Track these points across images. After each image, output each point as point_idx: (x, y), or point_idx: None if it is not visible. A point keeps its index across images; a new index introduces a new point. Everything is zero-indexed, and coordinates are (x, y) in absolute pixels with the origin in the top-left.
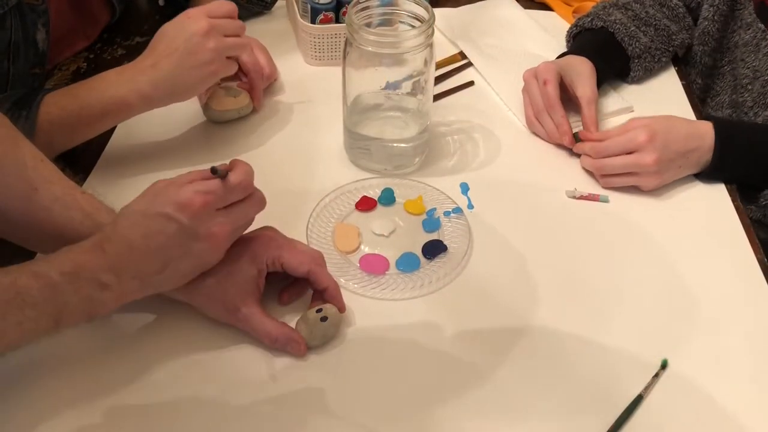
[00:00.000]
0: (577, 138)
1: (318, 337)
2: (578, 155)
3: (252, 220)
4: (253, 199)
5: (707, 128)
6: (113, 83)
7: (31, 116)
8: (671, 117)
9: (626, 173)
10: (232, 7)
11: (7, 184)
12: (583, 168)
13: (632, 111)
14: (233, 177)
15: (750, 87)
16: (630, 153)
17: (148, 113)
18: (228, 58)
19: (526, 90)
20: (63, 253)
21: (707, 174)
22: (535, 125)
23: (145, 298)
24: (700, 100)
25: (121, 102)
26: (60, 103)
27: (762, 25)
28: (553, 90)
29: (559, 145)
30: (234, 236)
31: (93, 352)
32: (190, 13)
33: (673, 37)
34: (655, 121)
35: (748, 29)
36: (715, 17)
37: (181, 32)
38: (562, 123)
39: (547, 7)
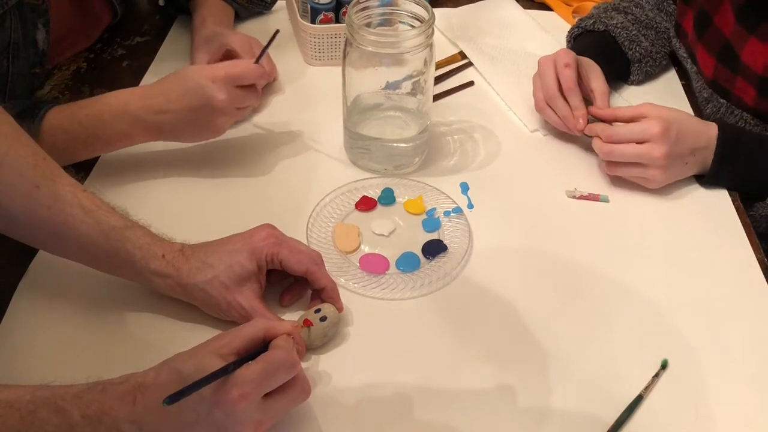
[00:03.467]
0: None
1: (318, 337)
2: (579, 156)
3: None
4: (296, 389)
5: (714, 129)
6: (119, 116)
7: (33, 132)
8: (682, 111)
9: (633, 164)
10: (260, 74)
11: (9, 182)
12: (594, 149)
13: None
14: (274, 356)
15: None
16: (640, 143)
17: None
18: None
19: (539, 74)
20: (94, 391)
21: (708, 179)
22: (546, 110)
23: (144, 296)
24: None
25: (126, 137)
26: (63, 126)
27: (723, 100)
28: (572, 73)
29: (560, 145)
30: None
31: (92, 350)
32: (217, 75)
33: (673, 40)
34: (668, 113)
35: (708, 104)
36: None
37: (198, 95)
38: (579, 107)
39: (547, 7)
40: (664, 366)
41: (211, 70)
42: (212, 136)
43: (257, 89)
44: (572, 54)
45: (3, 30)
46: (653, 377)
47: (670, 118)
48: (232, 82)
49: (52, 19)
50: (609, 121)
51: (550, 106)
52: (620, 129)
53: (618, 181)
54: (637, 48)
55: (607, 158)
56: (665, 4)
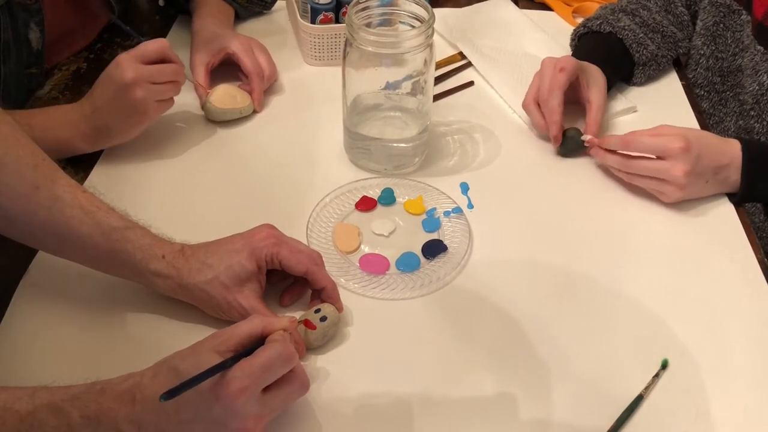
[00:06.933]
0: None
1: (318, 337)
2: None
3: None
4: (295, 383)
5: (736, 147)
6: (60, 125)
7: None
8: (701, 131)
9: (652, 177)
10: (161, 46)
11: (8, 182)
12: (609, 162)
13: (636, 111)
14: (271, 349)
15: (753, 113)
16: (661, 159)
17: None
18: (161, 100)
19: (539, 74)
20: (93, 392)
21: (741, 197)
22: (531, 109)
23: (144, 296)
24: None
25: (68, 144)
26: None
27: (761, 47)
28: (564, 78)
29: None
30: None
31: (91, 350)
32: (120, 60)
33: (679, 44)
34: (687, 131)
35: (746, 52)
36: (702, 31)
37: (111, 82)
38: (555, 111)
39: (547, 7)
40: (664, 366)
41: (115, 60)
42: (141, 118)
43: (174, 66)
44: (574, 62)
45: None
46: (653, 377)
47: (691, 135)
48: (135, 59)
49: (47, 18)
50: (623, 150)
51: (539, 107)
52: (641, 138)
53: (618, 182)
54: (644, 51)
55: (625, 169)
56: (672, 6)
